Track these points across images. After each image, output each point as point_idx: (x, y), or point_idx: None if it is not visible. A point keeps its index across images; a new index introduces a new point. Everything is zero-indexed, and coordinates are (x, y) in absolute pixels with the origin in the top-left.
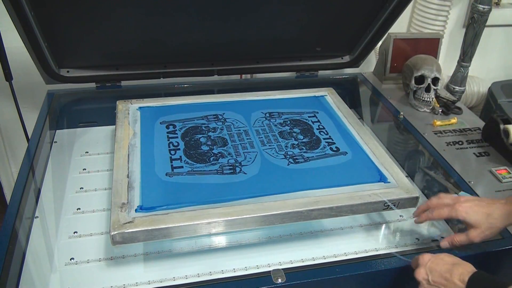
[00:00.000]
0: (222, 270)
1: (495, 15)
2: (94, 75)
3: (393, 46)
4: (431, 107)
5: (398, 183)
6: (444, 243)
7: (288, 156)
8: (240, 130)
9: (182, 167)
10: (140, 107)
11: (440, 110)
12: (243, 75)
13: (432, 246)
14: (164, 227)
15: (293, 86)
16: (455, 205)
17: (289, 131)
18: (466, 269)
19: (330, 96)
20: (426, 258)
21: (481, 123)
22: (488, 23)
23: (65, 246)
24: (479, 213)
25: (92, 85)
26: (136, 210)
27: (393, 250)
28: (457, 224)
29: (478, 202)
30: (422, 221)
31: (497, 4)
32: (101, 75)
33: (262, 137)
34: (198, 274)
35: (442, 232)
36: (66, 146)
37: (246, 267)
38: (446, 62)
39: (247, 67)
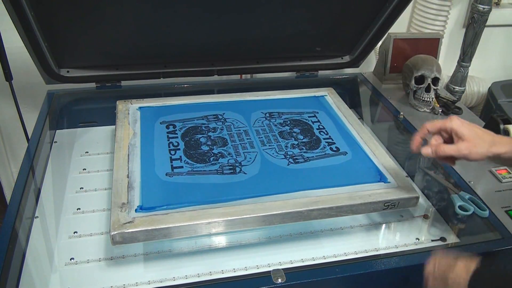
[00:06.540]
0: (222, 270)
1: (495, 15)
2: (94, 75)
3: (393, 46)
4: (431, 107)
5: (398, 183)
6: (427, 150)
7: (288, 156)
8: (240, 130)
9: (182, 167)
10: (140, 107)
11: (440, 110)
12: (243, 75)
13: (432, 246)
14: (164, 227)
15: (293, 86)
16: (450, 117)
17: (289, 131)
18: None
19: (330, 96)
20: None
21: (481, 123)
22: (488, 23)
23: (65, 246)
24: (472, 130)
25: (92, 85)
26: (136, 210)
27: (393, 250)
28: (457, 224)
29: (475, 125)
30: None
31: (497, 4)
32: (101, 75)
33: (262, 137)
34: (198, 274)
35: (442, 231)
36: (66, 146)
37: (246, 267)
38: (446, 62)
39: (247, 67)
